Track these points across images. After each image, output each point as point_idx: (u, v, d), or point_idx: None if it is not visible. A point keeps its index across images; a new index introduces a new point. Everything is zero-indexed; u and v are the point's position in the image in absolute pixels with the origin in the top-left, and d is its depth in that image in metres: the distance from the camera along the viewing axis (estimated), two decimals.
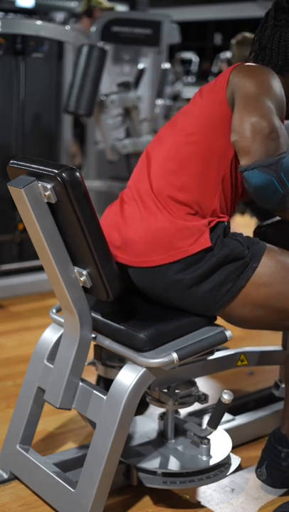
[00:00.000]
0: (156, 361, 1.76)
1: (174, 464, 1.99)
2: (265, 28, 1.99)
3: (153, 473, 1.96)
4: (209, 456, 2.01)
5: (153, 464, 1.98)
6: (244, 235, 1.93)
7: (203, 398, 2.10)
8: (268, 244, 1.90)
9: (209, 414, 2.05)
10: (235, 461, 2.05)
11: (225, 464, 2.03)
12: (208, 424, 1.96)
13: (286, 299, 1.84)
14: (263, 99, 1.80)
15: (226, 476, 2.00)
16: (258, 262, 1.84)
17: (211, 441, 2.03)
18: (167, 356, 1.76)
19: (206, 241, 1.81)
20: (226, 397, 1.88)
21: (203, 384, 2.61)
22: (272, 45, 1.95)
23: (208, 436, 2.01)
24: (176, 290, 1.83)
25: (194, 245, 1.80)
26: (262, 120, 1.77)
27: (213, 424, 1.95)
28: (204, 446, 2.01)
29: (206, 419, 2.22)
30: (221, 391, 1.89)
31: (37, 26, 3.90)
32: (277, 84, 1.86)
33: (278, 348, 2.40)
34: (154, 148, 1.98)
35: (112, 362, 2.18)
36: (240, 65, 1.91)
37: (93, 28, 4.89)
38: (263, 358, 2.38)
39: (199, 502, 2.02)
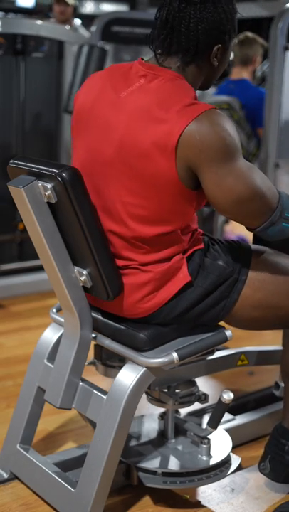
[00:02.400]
0: (156, 361, 1.76)
1: (174, 464, 1.99)
2: (170, 5, 1.68)
3: (153, 472, 1.96)
4: (209, 455, 2.00)
5: (153, 463, 1.98)
6: (224, 238, 1.92)
7: (203, 398, 2.09)
8: (253, 248, 1.88)
9: (209, 414, 2.05)
10: (235, 461, 2.05)
11: (225, 463, 2.03)
12: (208, 423, 1.96)
13: (281, 297, 1.84)
14: (230, 163, 1.62)
15: (226, 475, 2.00)
16: (247, 274, 1.82)
17: (211, 441, 2.03)
18: (167, 356, 1.76)
19: (185, 276, 1.77)
20: (226, 396, 1.88)
21: (203, 384, 2.61)
22: (180, 26, 1.66)
23: (208, 436, 2.01)
24: (171, 323, 1.82)
25: (174, 286, 1.77)
26: (244, 190, 1.64)
27: (214, 423, 1.95)
28: (204, 446, 2.00)
29: (206, 419, 2.22)
30: (221, 391, 1.89)
31: (37, 26, 3.90)
32: (231, 130, 1.63)
33: (279, 347, 2.40)
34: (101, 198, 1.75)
35: (112, 362, 2.17)
36: (187, 136, 1.59)
37: (93, 28, 4.89)
38: (264, 358, 2.37)
39: (199, 502, 2.02)
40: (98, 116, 1.73)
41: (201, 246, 1.81)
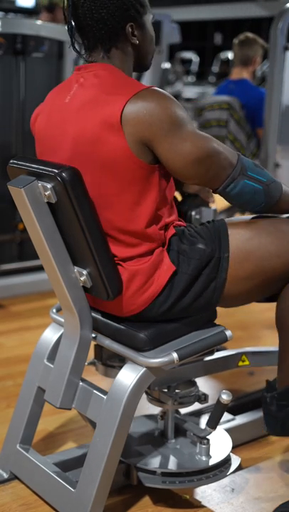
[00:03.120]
0: (156, 361, 1.76)
1: (173, 464, 1.99)
2: (69, 6, 1.75)
3: (153, 472, 1.96)
4: (209, 456, 2.00)
5: (153, 463, 1.98)
6: (195, 222, 1.94)
7: (203, 398, 2.10)
8: (227, 221, 1.89)
9: (209, 414, 2.05)
10: (235, 461, 2.05)
11: (225, 463, 2.03)
12: (208, 424, 1.96)
13: (271, 260, 1.85)
14: (182, 130, 1.68)
15: (226, 476, 2.00)
16: (228, 250, 1.83)
17: (211, 441, 2.03)
18: (167, 356, 1.76)
19: (170, 267, 1.78)
20: (225, 397, 1.88)
21: (203, 384, 2.61)
22: (86, 20, 1.73)
23: (208, 436, 2.01)
24: (167, 316, 1.83)
25: (160, 278, 1.78)
26: (202, 149, 1.71)
27: (213, 424, 1.95)
28: (204, 446, 2.01)
29: (205, 419, 2.22)
30: (220, 391, 1.89)
31: (37, 26, 3.90)
32: (174, 101, 1.69)
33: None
34: None
35: (112, 362, 2.18)
36: (131, 112, 1.64)
37: None
38: (264, 359, 2.37)
39: (199, 502, 2.02)
40: (52, 127, 1.80)
41: (173, 231, 1.82)
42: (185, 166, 1.72)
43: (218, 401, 1.89)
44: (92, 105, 1.70)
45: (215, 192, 1.81)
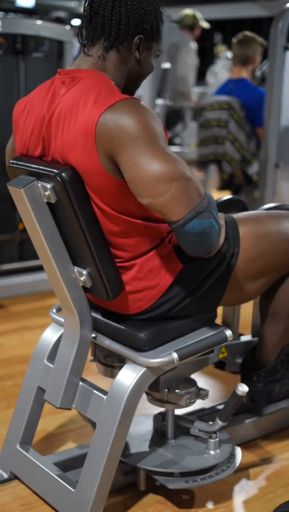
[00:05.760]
0: (156, 361, 1.76)
1: (189, 463, 1.97)
2: None
3: (170, 474, 1.95)
4: (219, 449, 2.00)
5: (168, 465, 1.96)
6: None
7: (204, 394, 2.09)
8: (235, 217, 1.88)
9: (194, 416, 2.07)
10: (239, 451, 2.06)
11: (234, 455, 2.04)
12: (219, 417, 1.95)
13: (281, 255, 1.89)
14: (151, 146, 1.57)
15: (240, 464, 2.02)
16: (239, 246, 1.84)
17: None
18: (167, 356, 1.76)
19: (177, 265, 1.78)
20: (241, 389, 1.87)
21: (203, 384, 2.61)
22: (104, 11, 1.69)
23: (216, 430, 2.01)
24: (173, 312, 1.83)
25: (168, 275, 1.78)
26: (167, 169, 1.56)
27: (225, 417, 1.94)
28: (212, 440, 2.00)
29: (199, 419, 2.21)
30: (221, 390, 1.89)
31: (37, 26, 3.90)
32: (148, 116, 1.60)
33: (254, 338, 2.38)
34: None
35: (108, 360, 2.17)
36: (102, 125, 1.59)
37: None
38: (242, 349, 2.35)
39: (199, 502, 2.02)
40: (36, 138, 1.78)
41: None
42: (141, 179, 1.58)
43: (234, 393, 1.88)
44: (71, 115, 1.66)
45: (171, 226, 1.62)
